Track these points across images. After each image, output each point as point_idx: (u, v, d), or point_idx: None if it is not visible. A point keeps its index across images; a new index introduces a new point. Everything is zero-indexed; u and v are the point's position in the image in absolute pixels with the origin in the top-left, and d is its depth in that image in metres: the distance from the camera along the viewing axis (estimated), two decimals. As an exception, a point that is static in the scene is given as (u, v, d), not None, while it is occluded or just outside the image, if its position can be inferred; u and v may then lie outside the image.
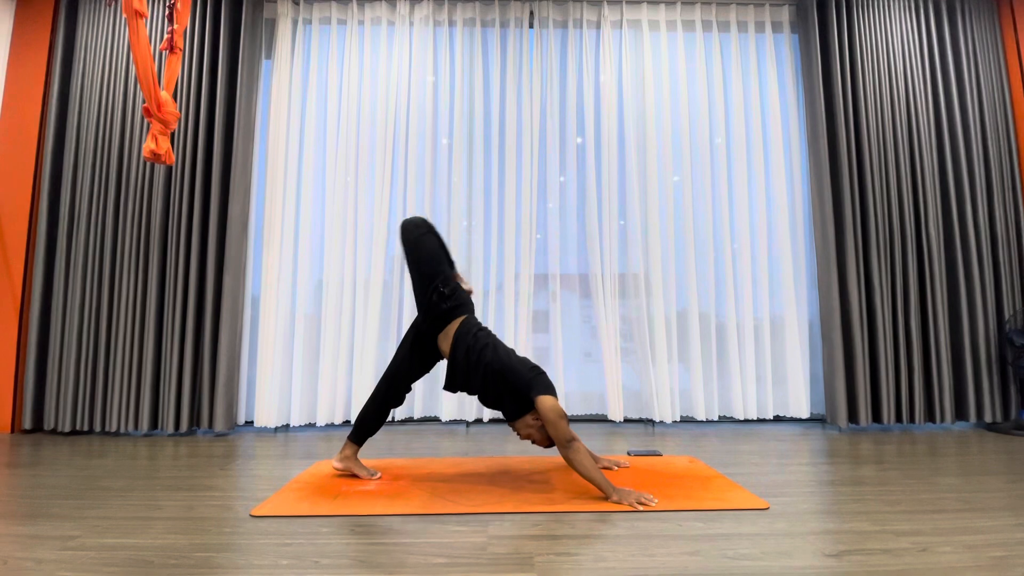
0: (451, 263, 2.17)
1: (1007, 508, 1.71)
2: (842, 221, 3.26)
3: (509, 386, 1.96)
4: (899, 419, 3.16)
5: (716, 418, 3.31)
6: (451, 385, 2.07)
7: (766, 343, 3.35)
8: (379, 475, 2.10)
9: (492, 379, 1.98)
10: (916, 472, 2.16)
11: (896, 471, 2.18)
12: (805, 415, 3.35)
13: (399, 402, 2.16)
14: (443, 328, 2.05)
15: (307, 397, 3.24)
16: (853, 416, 3.14)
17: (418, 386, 3.30)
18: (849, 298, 3.19)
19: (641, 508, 1.73)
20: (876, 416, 3.15)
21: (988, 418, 3.15)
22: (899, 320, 3.20)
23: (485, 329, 2.10)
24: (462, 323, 2.05)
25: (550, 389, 1.96)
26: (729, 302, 3.37)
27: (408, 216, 2.21)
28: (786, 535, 1.49)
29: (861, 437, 2.93)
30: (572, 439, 1.86)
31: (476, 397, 2.21)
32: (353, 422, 2.16)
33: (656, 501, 1.77)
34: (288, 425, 3.25)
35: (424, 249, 2.09)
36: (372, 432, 2.14)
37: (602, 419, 3.33)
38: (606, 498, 1.80)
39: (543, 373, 2.02)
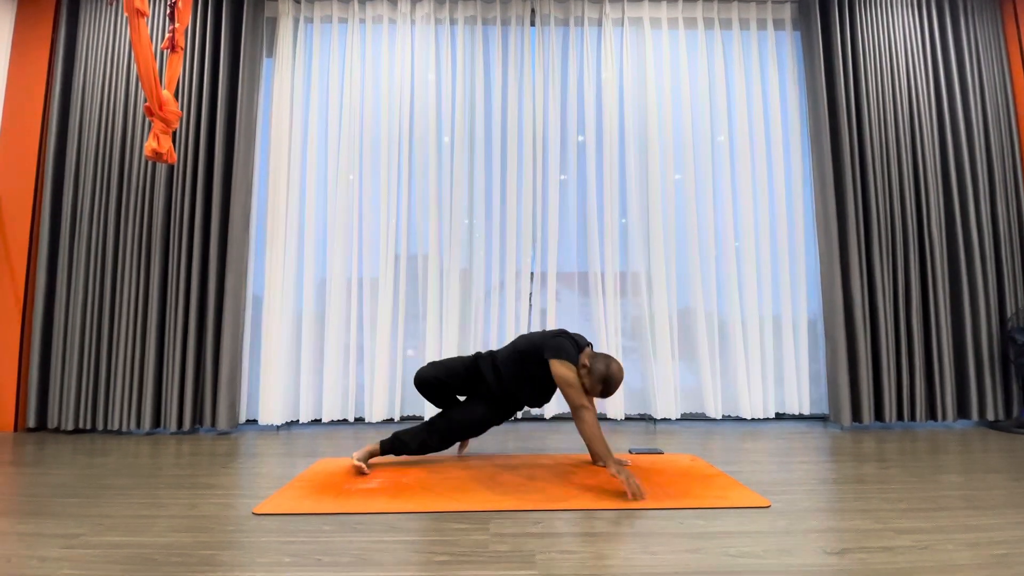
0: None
1: (1009, 506, 1.71)
2: (845, 219, 3.25)
3: (531, 362, 2.12)
4: (901, 417, 3.16)
5: (718, 416, 3.30)
6: (521, 401, 2.24)
7: (768, 341, 3.35)
8: (368, 472, 2.11)
9: (516, 368, 2.15)
10: (918, 470, 2.16)
11: (898, 469, 2.18)
12: (807, 413, 3.35)
13: (441, 448, 2.26)
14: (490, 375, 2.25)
15: (310, 395, 3.24)
16: (856, 414, 3.14)
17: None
18: (852, 296, 3.19)
19: (630, 497, 1.75)
20: (878, 414, 3.15)
21: (990, 416, 3.15)
22: (901, 318, 3.19)
23: (493, 352, 2.32)
24: (479, 362, 2.29)
25: (561, 351, 2.01)
26: (731, 300, 3.37)
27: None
28: (787, 533, 1.49)
29: (863, 435, 2.92)
30: (580, 407, 1.91)
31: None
32: (396, 437, 2.24)
33: (645, 498, 1.78)
34: (291, 423, 3.26)
35: (461, 370, 2.30)
36: (401, 454, 2.23)
37: (602, 417, 3.33)
38: (605, 466, 1.81)
39: (558, 335, 2.10)
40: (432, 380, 2.25)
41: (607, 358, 2.03)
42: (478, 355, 2.31)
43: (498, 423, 2.30)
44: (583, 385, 2.01)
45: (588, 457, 2.34)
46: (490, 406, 2.25)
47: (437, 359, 3.26)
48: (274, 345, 3.22)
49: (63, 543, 1.43)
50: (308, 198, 3.35)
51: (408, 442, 2.21)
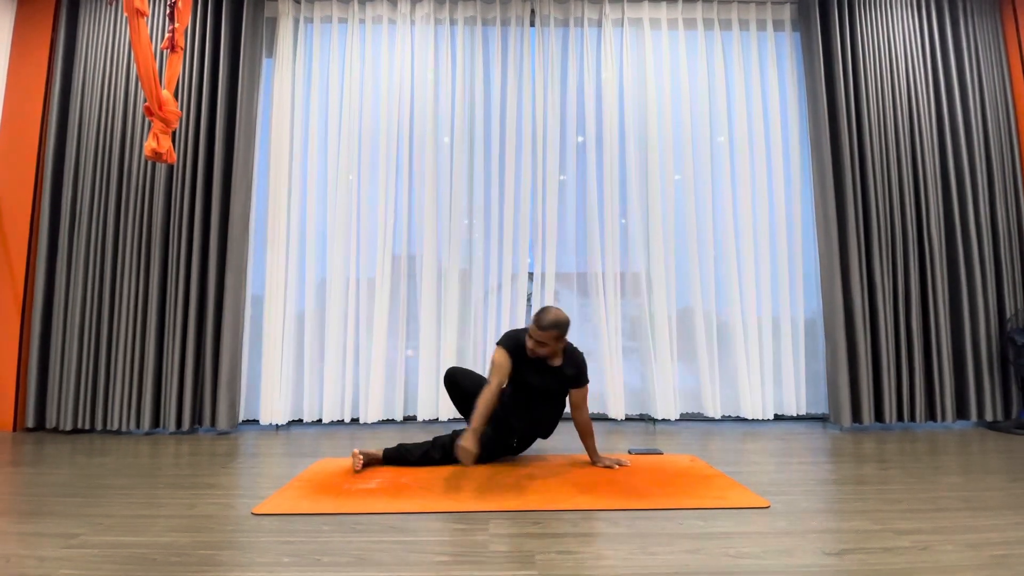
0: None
1: (1008, 507, 1.71)
2: (844, 220, 3.26)
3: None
4: (900, 418, 3.16)
5: (718, 417, 3.31)
6: (515, 428, 2.35)
7: (768, 341, 3.35)
8: (359, 468, 2.16)
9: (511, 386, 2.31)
10: (917, 471, 2.16)
11: (897, 470, 2.18)
12: (806, 413, 3.35)
13: (442, 463, 2.28)
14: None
15: (310, 395, 3.24)
16: (856, 415, 3.14)
17: (423, 388, 3.30)
18: (852, 297, 3.19)
19: (460, 457, 1.98)
20: (878, 415, 3.15)
21: (989, 417, 3.15)
22: (901, 319, 3.19)
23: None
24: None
25: (502, 341, 2.27)
26: (731, 300, 3.37)
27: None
28: (787, 534, 1.49)
29: (862, 436, 2.93)
30: (487, 382, 2.17)
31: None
32: (400, 445, 2.31)
33: (468, 464, 2.00)
34: (291, 423, 3.25)
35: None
36: (402, 466, 2.25)
37: (603, 417, 3.33)
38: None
39: (509, 330, 2.35)
40: (454, 378, 2.47)
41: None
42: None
43: (501, 453, 2.35)
44: (530, 346, 2.18)
45: (587, 458, 2.34)
46: (495, 430, 2.30)
47: (435, 358, 3.29)
48: (274, 345, 3.22)
49: (62, 543, 1.43)
50: (308, 198, 3.35)
51: (412, 450, 2.26)
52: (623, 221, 3.46)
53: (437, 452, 2.25)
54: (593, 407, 3.35)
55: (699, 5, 3.55)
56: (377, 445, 2.67)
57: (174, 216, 3.15)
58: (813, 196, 3.40)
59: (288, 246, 3.32)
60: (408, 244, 3.38)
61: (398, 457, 2.25)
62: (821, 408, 3.38)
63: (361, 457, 2.18)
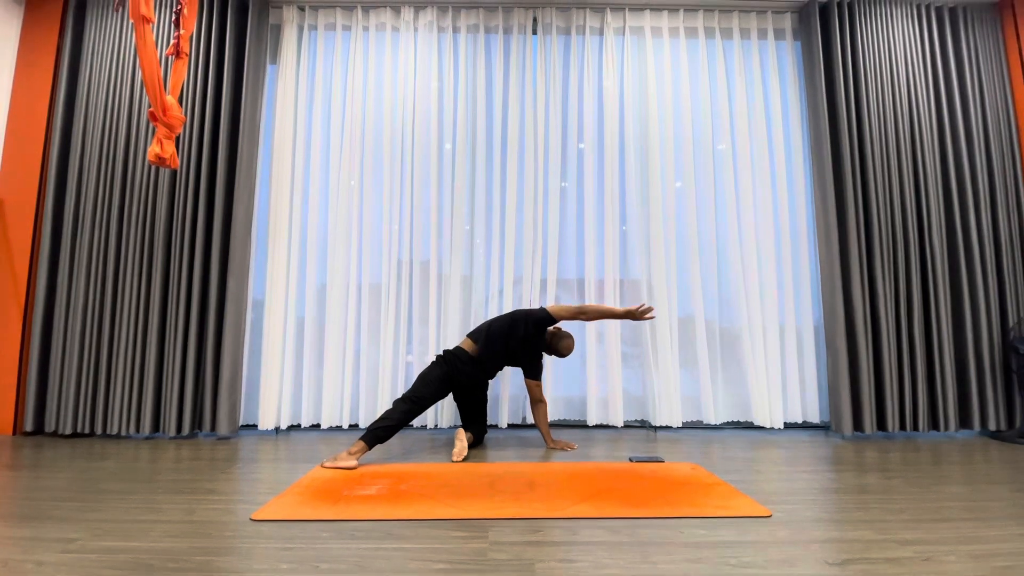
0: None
1: (1011, 517, 1.69)
2: (846, 228, 3.26)
3: None
4: (903, 427, 3.15)
5: (720, 425, 3.29)
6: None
7: (770, 349, 3.34)
8: (355, 465, 2.30)
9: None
10: (920, 480, 2.15)
11: (900, 479, 2.17)
12: (809, 422, 3.33)
13: (404, 408, 2.51)
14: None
15: (310, 400, 3.24)
16: (858, 423, 3.12)
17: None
18: (853, 305, 3.18)
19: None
20: (881, 424, 3.14)
21: (992, 426, 3.13)
22: (903, 327, 3.18)
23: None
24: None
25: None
26: (732, 308, 3.37)
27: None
28: (789, 543, 1.48)
29: (865, 445, 2.91)
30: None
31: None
32: (374, 429, 2.45)
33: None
34: (291, 428, 3.25)
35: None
36: (387, 436, 2.44)
37: (603, 425, 3.32)
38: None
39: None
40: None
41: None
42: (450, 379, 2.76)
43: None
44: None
45: (588, 465, 2.33)
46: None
47: None
48: (275, 350, 3.22)
49: (60, 547, 1.42)
50: (310, 203, 3.36)
51: (381, 421, 2.42)
52: (624, 228, 3.46)
53: (406, 422, 2.47)
54: (593, 414, 3.34)
55: (700, 14, 3.57)
56: (375, 451, 2.67)
57: (176, 220, 3.16)
58: (814, 203, 3.40)
59: (290, 251, 3.32)
60: (410, 250, 3.38)
61: (376, 434, 2.38)
62: (824, 417, 3.36)
63: (355, 464, 2.30)
